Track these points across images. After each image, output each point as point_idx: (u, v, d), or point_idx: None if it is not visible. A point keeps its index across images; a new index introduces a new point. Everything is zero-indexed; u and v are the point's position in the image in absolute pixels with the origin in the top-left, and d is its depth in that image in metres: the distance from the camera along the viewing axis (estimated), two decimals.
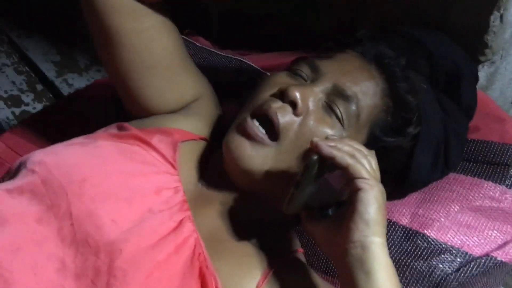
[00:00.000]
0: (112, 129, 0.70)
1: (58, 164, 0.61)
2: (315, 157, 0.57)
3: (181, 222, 0.61)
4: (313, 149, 0.57)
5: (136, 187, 0.61)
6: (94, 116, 0.93)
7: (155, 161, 0.65)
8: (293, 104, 0.62)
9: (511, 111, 0.97)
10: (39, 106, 1.39)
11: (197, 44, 1.05)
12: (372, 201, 0.55)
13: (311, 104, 0.63)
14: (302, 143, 0.62)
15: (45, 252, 0.55)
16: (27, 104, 1.40)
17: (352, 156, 0.56)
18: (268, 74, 0.97)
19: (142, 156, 0.64)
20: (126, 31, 0.67)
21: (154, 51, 0.69)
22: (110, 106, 0.87)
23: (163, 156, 0.66)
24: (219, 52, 1.03)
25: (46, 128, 0.90)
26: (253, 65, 0.99)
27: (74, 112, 0.95)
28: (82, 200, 0.58)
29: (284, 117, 0.62)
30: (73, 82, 1.48)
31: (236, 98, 0.96)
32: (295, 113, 0.63)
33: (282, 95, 0.63)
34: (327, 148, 0.56)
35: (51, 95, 1.44)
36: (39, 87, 1.47)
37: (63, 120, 0.93)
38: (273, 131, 0.62)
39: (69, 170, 0.60)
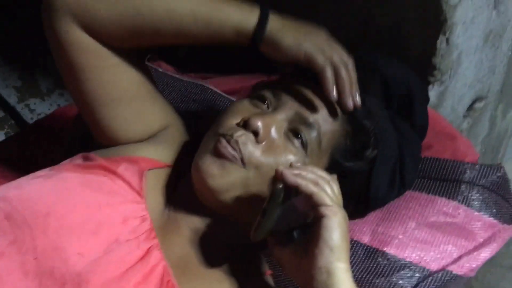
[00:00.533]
0: (78, 159, 0.71)
1: (22, 199, 0.61)
2: (280, 186, 0.59)
3: (148, 251, 0.62)
4: (278, 177, 0.59)
5: (102, 218, 0.62)
6: (59, 145, 0.93)
7: (121, 190, 0.66)
8: (256, 133, 0.64)
9: (463, 125, 1.03)
10: (0, 133, 1.36)
11: (159, 69, 1.06)
12: (335, 227, 0.57)
13: (273, 132, 0.65)
14: (267, 170, 0.64)
15: (8, 285, 0.55)
16: None
17: (316, 184, 0.59)
18: (231, 98, 1.00)
19: (108, 186, 0.65)
20: (90, 67, 0.67)
21: (119, 85, 0.69)
22: (75, 134, 0.87)
23: (129, 184, 0.66)
24: (181, 78, 1.05)
25: (10, 159, 0.89)
26: (216, 89, 1.01)
27: (39, 141, 0.95)
28: (46, 234, 0.58)
29: (247, 145, 0.64)
30: (35, 107, 1.46)
31: (200, 123, 0.98)
32: (258, 141, 0.64)
33: (245, 124, 0.65)
34: (291, 177, 0.58)
35: (12, 122, 1.43)
36: (0, 113, 1.45)
37: (28, 150, 0.93)
38: (240, 158, 0.64)
39: (33, 204, 0.60)
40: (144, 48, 0.70)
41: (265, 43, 0.65)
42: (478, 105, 1.01)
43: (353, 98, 0.66)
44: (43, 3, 0.64)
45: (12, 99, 1.48)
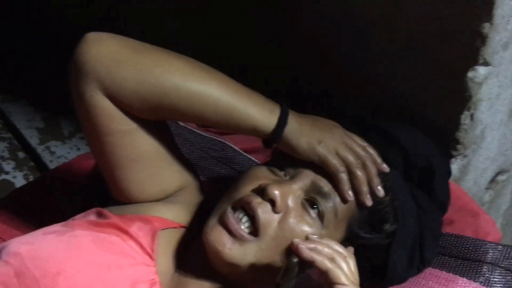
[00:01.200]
0: (92, 215, 0.70)
1: (33, 256, 0.61)
2: (295, 260, 0.58)
3: None
4: (294, 251, 0.58)
5: (111, 280, 0.61)
6: (75, 196, 0.93)
7: (132, 251, 0.65)
8: (273, 202, 0.64)
9: (485, 197, 1.01)
10: (19, 175, 1.38)
11: (180, 123, 1.07)
12: None
13: (290, 202, 0.65)
14: (282, 240, 0.63)
15: None
16: (7, 173, 1.39)
17: (332, 260, 0.58)
18: (250, 157, 1.00)
19: (119, 247, 0.64)
20: (111, 131, 0.68)
21: (138, 147, 0.70)
22: (92, 187, 0.87)
23: (141, 246, 0.66)
24: (201, 133, 1.05)
25: (25, 207, 0.89)
26: (235, 147, 1.01)
27: (55, 191, 0.95)
28: None
29: (265, 213, 0.63)
30: (56, 150, 1.48)
31: (219, 180, 0.98)
32: (275, 211, 0.64)
33: (262, 192, 0.64)
34: (307, 251, 0.58)
35: (32, 164, 1.44)
36: (21, 154, 1.47)
37: (43, 199, 0.93)
38: (254, 225, 0.63)
39: (44, 262, 0.60)
40: None
41: (281, 144, 0.67)
42: (501, 177, 0.99)
43: (375, 191, 0.67)
44: (72, 64, 0.65)
45: (33, 141, 1.50)
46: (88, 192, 0.90)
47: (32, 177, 1.35)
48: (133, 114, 0.67)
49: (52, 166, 1.36)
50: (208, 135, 1.05)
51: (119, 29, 0.70)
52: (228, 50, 1.18)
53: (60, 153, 1.46)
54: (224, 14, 1.19)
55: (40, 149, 1.48)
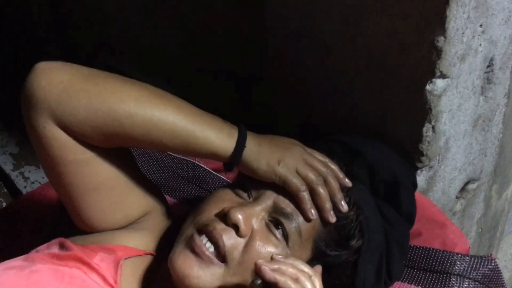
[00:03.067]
0: (54, 246, 0.69)
1: None
2: (259, 282, 0.57)
3: None
4: (257, 272, 0.58)
5: None
6: (42, 226, 0.91)
7: (94, 284, 0.64)
8: (236, 227, 0.63)
9: (457, 207, 1.01)
10: None
11: None
12: None
13: (255, 224, 0.64)
14: (249, 263, 0.62)
15: None
16: None
17: (296, 280, 0.57)
18: (221, 176, 1.00)
19: (81, 280, 0.63)
20: (67, 161, 0.66)
21: (97, 176, 0.69)
22: (56, 216, 0.86)
23: (103, 278, 0.65)
24: (171, 153, 1.05)
25: None
26: (205, 166, 1.01)
27: (26, 215, 0.94)
28: None
29: (229, 239, 0.63)
30: (30, 175, 1.46)
31: (189, 201, 0.97)
32: (239, 235, 0.63)
33: (225, 217, 0.64)
34: (269, 273, 0.57)
35: (5, 190, 1.42)
36: None
37: (9, 228, 0.91)
38: (220, 252, 0.63)
39: None
40: None
41: (241, 166, 0.67)
42: (471, 186, 1.00)
43: (338, 207, 0.67)
44: (22, 95, 0.64)
45: (7, 167, 1.48)
46: (53, 221, 0.89)
47: (5, 204, 1.33)
48: (88, 143, 0.66)
49: (26, 192, 1.34)
50: (178, 156, 1.04)
51: None
52: None
53: (34, 179, 1.44)
54: None
55: (14, 175, 1.46)
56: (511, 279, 1.43)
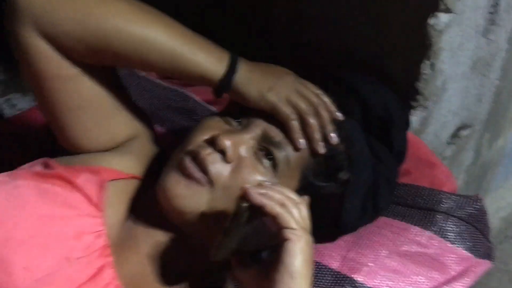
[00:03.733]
0: (37, 166, 0.68)
1: None
2: (245, 205, 0.56)
3: (101, 269, 0.59)
4: (244, 196, 0.57)
5: (53, 232, 0.59)
6: (33, 141, 0.90)
7: (77, 203, 0.63)
8: (223, 153, 0.62)
9: (447, 152, 1.00)
10: None
11: (140, 73, 1.03)
12: (297, 252, 0.55)
13: (242, 152, 0.63)
14: (234, 190, 0.62)
15: None
16: None
17: (282, 205, 0.56)
18: (211, 108, 0.98)
19: (64, 198, 0.62)
20: (50, 76, 0.64)
21: (82, 94, 0.67)
22: (42, 138, 0.84)
23: (87, 197, 0.64)
24: (162, 83, 1.02)
25: None
26: (196, 98, 0.99)
27: (13, 136, 0.92)
28: None
29: (215, 164, 0.62)
30: (17, 102, 1.43)
31: (178, 131, 0.96)
32: (226, 161, 0.62)
33: (214, 142, 0.63)
34: (256, 196, 0.56)
35: None
36: None
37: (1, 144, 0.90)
38: (206, 177, 0.62)
39: None
40: None
41: (231, 92, 0.65)
42: (463, 132, 0.99)
43: (328, 139, 0.66)
44: (6, 5, 0.61)
45: None
46: (39, 143, 0.87)
47: None
48: (74, 58, 0.64)
49: None
50: (168, 86, 1.02)
51: None
52: None
53: (21, 106, 1.41)
54: None
55: (0, 101, 1.42)
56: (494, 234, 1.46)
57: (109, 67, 0.69)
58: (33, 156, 0.72)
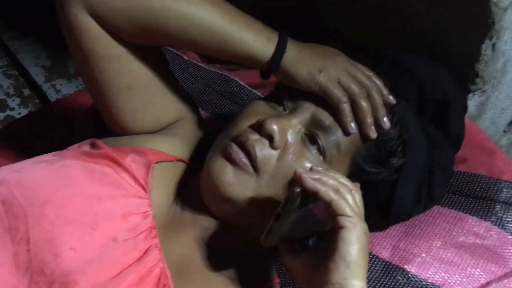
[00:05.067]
0: (85, 146, 0.68)
1: (21, 184, 0.58)
2: (298, 190, 0.54)
3: (147, 251, 0.58)
4: (296, 180, 0.55)
5: (101, 212, 0.58)
6: (78, 124, 0.90)
7: (124, 183, 0.62)
8: (270, 138, 0.60)
9: (503, 141, 0.95)
10: (24, 112, 1.36)
11: (184, 57, 1.02)
12: (354, 240, 0.52)
13: (289, 137, 0.61)
14: (281, 177, 0.60)
15: None
16: (12, 109, 1.37)
17: (337, 191, 0.54)
18: (255, 92, 0.96)
19: (111, 178, 0.62)
20: (98, 55, 0.64)
21: (129, 74, 0.66)
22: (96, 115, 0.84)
23: (134, 177, 0.63)
24: (206, 67, 1.01)
25: (20, 139, 0.87)
26: (240, 81, 0.97)
27: (58, 119, 0.93)
28: (41, 224, 0.55)
29: (262, 150, 0.60)
30: (61, 88, 1.45)
31: (222, 116, 0.94)
32: (272, 147, 0.60)
33: (260, 128, 0.60)
34: (310, 181, 0.54)
35: (37, 101, 1.42)
36: (26, 92, 1.44)
37: (40, 132, 0.91)
38: (252, 164, 0.60)
39: (31, 191, 0.57)
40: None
41: (279, 73, 0.63)
42: None
43: (380, 123, 0.63)
44: None
45: (39, 78, 1.47)
46: (85, 126, 0.87)
47: None
48: (121, 37, 0.63)
49: None
50: (213, 69, 1.00)
51: None
52: None
53: (66, 92, 1.43)
54: None
55: (45, 87, 1.45)
56: None
57: (156, 48, 0.68)
58: (78, 139, 0.72)
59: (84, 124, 0.86)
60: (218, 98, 0.96)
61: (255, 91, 0.96)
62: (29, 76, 1.49)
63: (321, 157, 0.61)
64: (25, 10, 1.68)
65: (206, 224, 0.64)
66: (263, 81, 0.67)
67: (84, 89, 1.02)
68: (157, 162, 0.67)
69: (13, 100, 1.40)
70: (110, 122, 0.71)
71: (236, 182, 0.60)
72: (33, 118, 0.93)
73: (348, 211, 0.53)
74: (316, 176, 0.55)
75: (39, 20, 1.60)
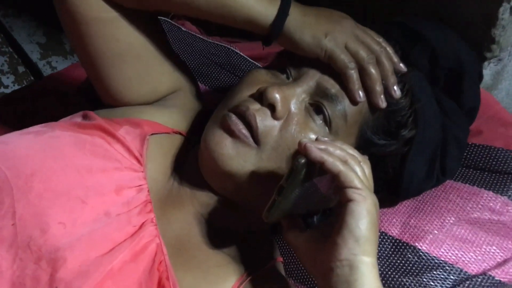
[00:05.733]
0: (77, 117, 0.64)
1: (7, 155, 0.54)
2: (303, 161, 0.50)
3: (141, 226, 0.55)
4: (301, 151, 0.50)
5: (93, 185, 0.54)
6: (72, 97, 0.87)
7: (118, 155, 0.58)
8: (272, 107, 0.56)
9: None
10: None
11: (182, 28, 0.98)
12: (364, 214, 0.48)
13: (293, 107, 0.57)
14: (283, 149, 0.56)
15: None
16: (6, 87, 1.33)
17: (344, 162, 0.50)
18: (257, 64, 0.91)
19: (104, 150, 0.58)
20: (89, 19, 0.60)
21: (122, 40, 0.62)
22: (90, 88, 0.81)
23: (128, 149, 0.59)
24: (204, 38, 0.96)
25: (13, 113, 0.83)
26: (241, 53, 0.93)
27: (51, 93, 0.89)
28: (28, 197, 0.51)
29: (263, 121, 0.56)
30: (57, 65, 1.41)
31: (221, 89, 0.90)
32: (275, 117, 0.56)
33: (261, 97, 0.56)
34: (316, 151, 0.49)
35: (32, 78, 1.38)
36: (21, 69, 1.40)
37: (39, 102, 0.87)
38: (253, 135, 0.56)
39: (18, 162, 0.54)
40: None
41: (282, 38, 0.58)
42: None
43: (390, 91, 0.58)
44: None
45: (34, 55, 1.43)
46: (78, 99, 0.84)
47: None
48: (113, 1, 0.59)
49: None
50: (211, 40, 0.96)
51: None
52: None
53: (61, 69, 1.38)
54: None
55: (41, 64, 1.41)
56: None
57: (151, 13, 0.64)
58: (72, 112, 0.68)
59: (77, 98, 0.82)
60: (217, 71, 0.91)
61: (256, 63, 0.91)
62: (24, 53, 1.44)
63: (326, 128, 0.57)
64: None
65: (206, 200, 0.61)
66: (265, 48, 0.62)
67: (78, 63, 0.98)
68: (152, 134, 0.63)
69: (7, 78, 1.36)
70: (103, 94, 0.67)
71: (235, 155, 0.56)
72: (26, 93, 0.89)
73: (357, 183, 0.49)
74: (322, 147, 0.50)
75: None
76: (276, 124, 0.56)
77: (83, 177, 0.54)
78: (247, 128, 0.56)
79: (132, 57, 0.64)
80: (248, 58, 0.91)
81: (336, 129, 0.57)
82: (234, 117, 0.56)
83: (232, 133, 0.56)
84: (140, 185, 0.58)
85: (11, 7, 1.57)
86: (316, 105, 0.57)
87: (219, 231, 0.61)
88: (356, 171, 0.50)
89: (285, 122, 0.56)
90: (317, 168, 0.50)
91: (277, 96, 0.55)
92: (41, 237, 0.49)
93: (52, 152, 0.56)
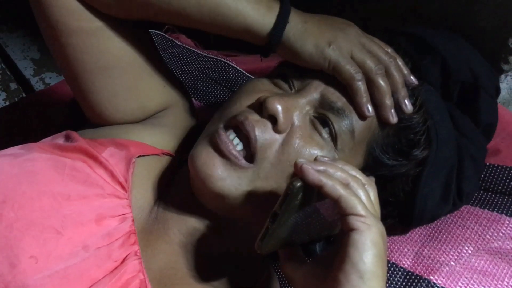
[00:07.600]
0: (59, 138, 0.59)
1: None
2: (298, 184, 0.44)
3: (124, 260, 0.49)
4: (297, 173, 0.45)
5: (70, 213, 0.49)
6: (60, 113, 0.82)
7: (100, 180, 0.53)
8: (273, 119, 0.50)
9: None
10: None
11: (176, 42, 0.93)
12: (368, 245, 0.42)
13: (296, 119, 0.51)
14: (285, 166, 0.50)
15: None
16: None
17: (346, 186, 0.44)
18: (252, 77, 0.86)
19: (85, 174, 0.52)
20: (73, 30, 0.55)
21: (108, 53, 0.57)
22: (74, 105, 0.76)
23: (111, 174, 0.54)
24: (200, 52, 0.92)
25: (6, 126, 0.79)
26: (237, 67, 0.88)
27: (40, 108, 0.85)
28: None
29: (264, 133, 0.50)
30: (50, 81, 1.38)
31: (216, 105, 0.85)
32: (276, 130, 0.51)
33: (261, 107, 0.51)
34: (314, 173, 0.44)
35: (24, 95, 1.34)
36: (13, 86, 1.37)
37: (21, 121, 0.82)
38: (250, 149, 0.50)
39: None
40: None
41: (282, 48, 0.54)
42: None
43: (401, 105, 0.54)
44: None
45: (28, 72, 1.40)
46: (64, 117, 0.79)
47: None
48: (97, 8, 0.54)
49: None
50: (206, 54, 0.91)
51: None
52: None
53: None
54: None
55: (34, 80, 1.38)
56: None
57: (139, 23, 0.59)
58: (60, 130, 0.63)
59: (61, 115, 0.78)
60: (213, 86, 0.87)
61: (254, 77, 0.86)
62: (17, 69, 1.41)
63: (332, 143, 0.52)
64: (13, 3, 1.61)
65: (193, 224, 0.55)
66: (264, 61, 0.57)
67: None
68: (139, 156, 0.58)
69: None
70: (88, 111, 0.62)
71: (226, 176, 0.50)
72: (14, 109, 0.85)
73: (360, 209, 0.43)
74: (321, 168, 0.45)
75: (28, 13, 1.53)
76: (278, 138, 0.51)
77: (60, 205, 0.49)
78: (243, 143, 0.51)
79: (119, 71, 0.59)
80: (245, 73, 0.87)
81: (342, 146, 0.52)
82: (223, 134, 0.51)
83: (221, 153, 0.50)
84: (123, 214, 0.52)
85: (4, 23, 1.55)
86: (322, 118, 0.52)
87: (207, 261, 0.55)
88: (360, 196, 0.45)
89: (288, 136, 0.51)
90: (316, 192, 0.45)
91: (279, 106, 0.50)
92: (9, 272, 0.44)
93: (26, 176, 0.50)
